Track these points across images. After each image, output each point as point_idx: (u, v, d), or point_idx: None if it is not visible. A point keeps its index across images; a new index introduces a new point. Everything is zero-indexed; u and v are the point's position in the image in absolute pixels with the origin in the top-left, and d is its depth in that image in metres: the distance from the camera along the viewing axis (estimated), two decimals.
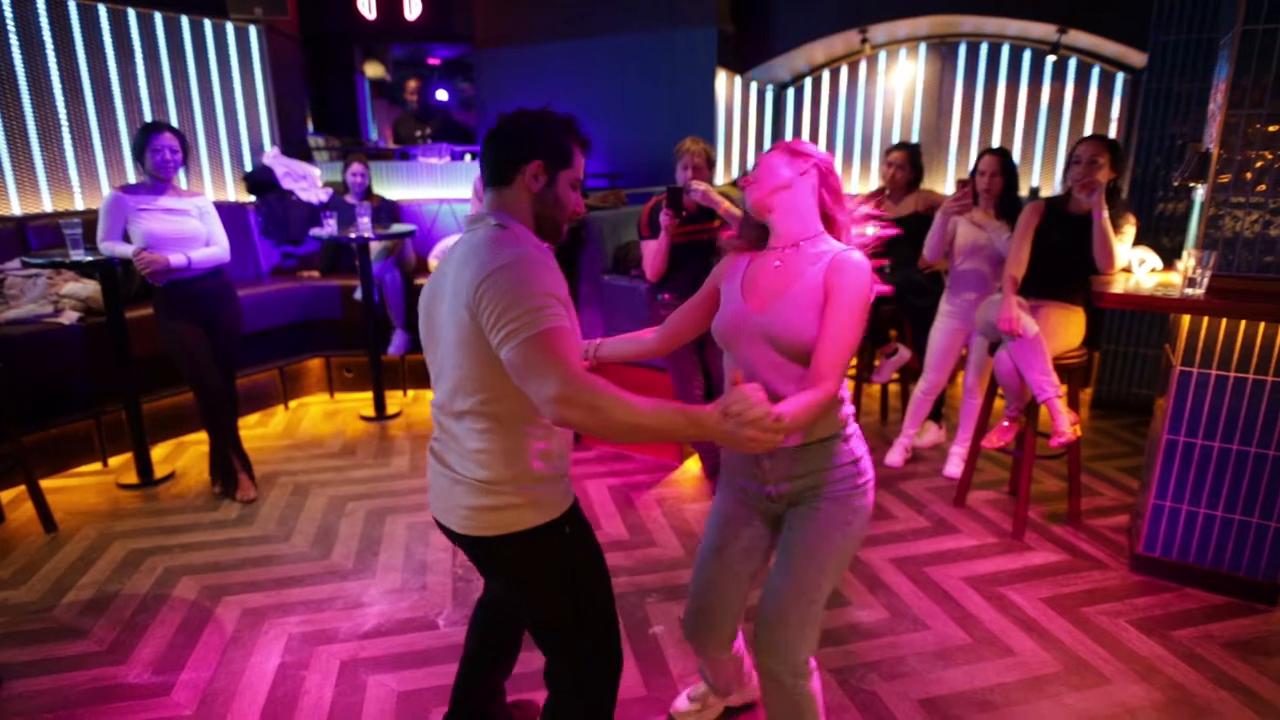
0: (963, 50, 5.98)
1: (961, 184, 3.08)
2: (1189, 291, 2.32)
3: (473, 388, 1.35)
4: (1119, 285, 2.59)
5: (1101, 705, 2.03)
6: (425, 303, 1.44)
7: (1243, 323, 2.34)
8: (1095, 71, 5.55)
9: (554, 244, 1.46)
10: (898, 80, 6.26)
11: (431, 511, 1.50)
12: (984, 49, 5.90)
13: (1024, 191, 5.74)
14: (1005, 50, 5.83)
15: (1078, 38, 5.26)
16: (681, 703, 1.97)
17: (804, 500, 1.55)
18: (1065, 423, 2.69)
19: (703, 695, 1.96)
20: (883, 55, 6.26)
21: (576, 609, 1.46)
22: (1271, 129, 2.24)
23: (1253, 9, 2.19)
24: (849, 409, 1.58)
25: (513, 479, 1.37)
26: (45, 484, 3.18)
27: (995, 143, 5.95)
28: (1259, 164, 2.27)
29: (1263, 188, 2.29)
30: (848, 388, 1.59)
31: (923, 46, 6.10)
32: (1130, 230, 2.77)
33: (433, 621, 2.40)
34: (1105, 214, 2.65)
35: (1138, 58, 4.87)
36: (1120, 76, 5.47)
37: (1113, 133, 5.53)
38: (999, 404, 3.44)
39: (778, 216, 1.55)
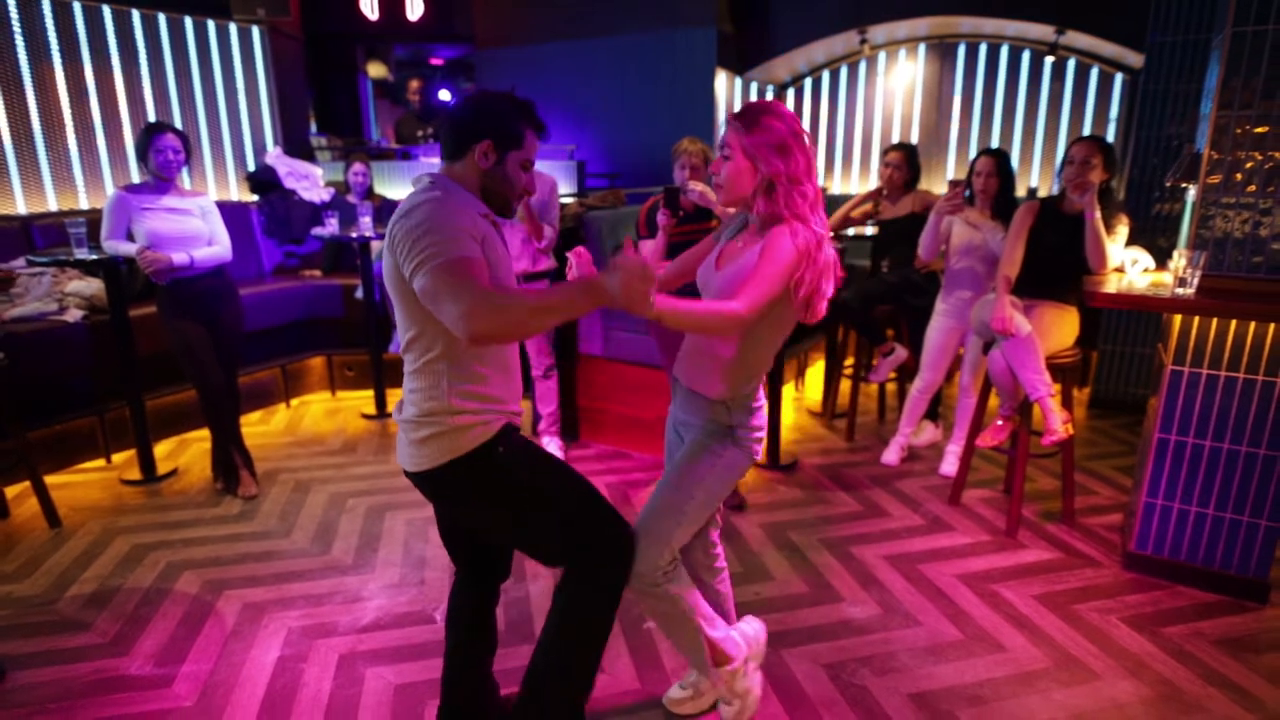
0: (962, 51, 6.00)
1: (954, 184, 3.10)
2: (1179, 291, 2.34)
3: (403, 325, 1.50)
4: (1111, 285, 2.61)
5: (1090, 701, 2.05)
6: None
7: (1233, 322, 2.36)
8: (1094, 72, 5.57)
9: (504, 217, 1.57)
10: (897, 80, 6.28)
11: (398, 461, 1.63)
12: (983, 49, 5.92)
13: (1022, 192, 5.75)
14: (1004, 51, 5.85)
15: (1076, 38, 5.28)
16: (674, 691, 2.01)
17: (691, 430, 1.75)
18: (1057, 421, 2.71)
19: (694, 682, 1.99)
20: (882, 56, 6.28)
21: (543, 511, 1.58)
22: (1260, 130, 2.26)
23: (1242, 11, 2.21)
24: (760, 409, 1.73)
25: (433, 412, 1.50)
26: (50, 480, 3.23)
27: (994, 143, 5.97)
28: (1249, 165, 2.29)
29: (1252, 188, 2.30)
30: (764, 396, 1.76)
31: (922, 47, 6.12)
32: (1123, 230, 2.79)
33: (430, 616, 2.42)
34: (1098, 214, 2.67)
35: (1135, 58, 4.88)
36: (1119, 77, 5.48)
37: (1111, 133, 5.55)
38: (995, 403, 3.46)
39: (752, 207, 1.65)
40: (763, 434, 1.76)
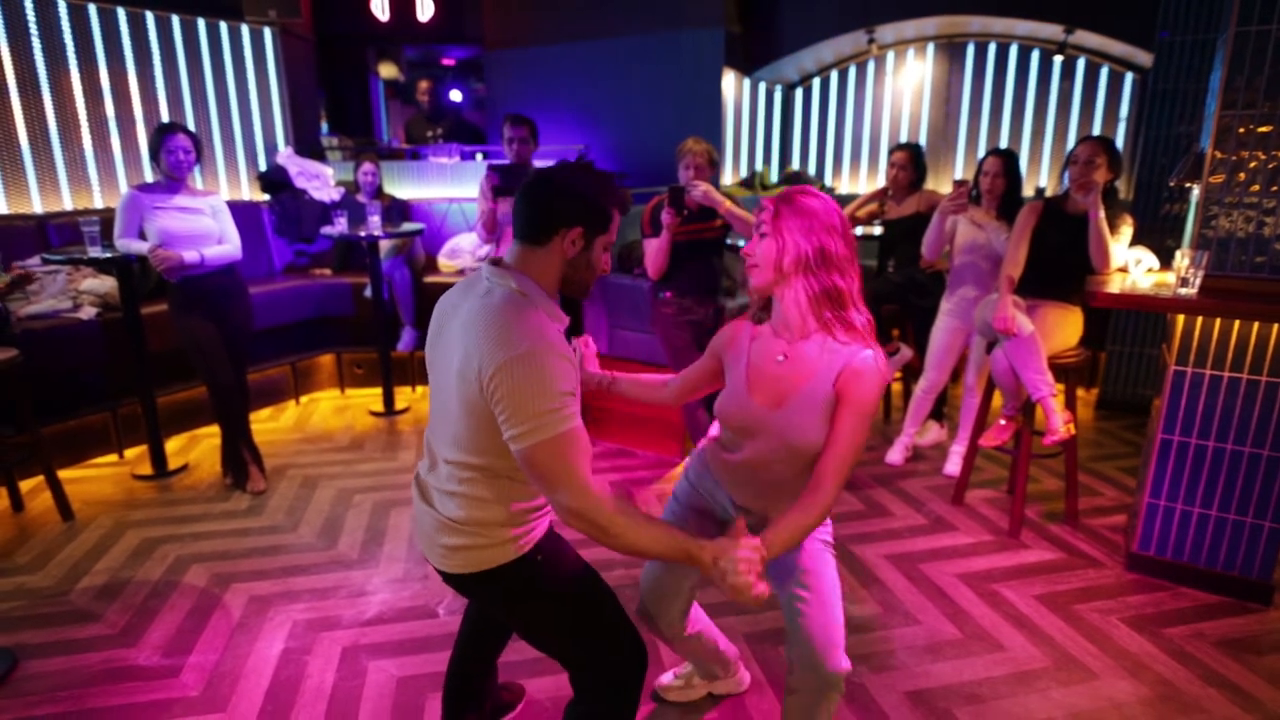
0: (970, 50, 5.98)
1: (959, 184, 3.10)
2: (1182, 291, 2.33)
3: (468, 445, 1.38)
4: (1114, 285, 2.60)
5: (1088, 700, 2.05)
6: (434, 328, 1.44)
7: (1236, 322, 2.35)
8: (1104, 71, 5.54)
9: (579, 299, 1.47)
10: (906, 80, 6.26)
11: (419, 544, 1.53)
12: (992, 49, 5.90)
13: (1031, 191, 5.73)
14: (1013, 50, 5.83)
15: (1085, 38, 5.25)
16: (666, 678, 2.03)
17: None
18: (1059, 421, 2.71)
19: (688, 675, 2.01)
20: (891, 55, 6.27)
21: (569, 624, 1.50)
22: (1264, 130, 2.25)
23: (1246, 10, 2.20)
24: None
25: (482, 521, 1.41)
26: (63, 474, 3.28)
27: (1003, 143, 5.95)
28: (1252, 164, 2.28)
29: (1256, 188, 2.29)
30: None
31: (930, 46, 6.11)
32: (1127, 230, 2.78)
33: (433, 611, 2.46)
34: (1102, 214, 2.66)
35: (1145, 57, 4.85)
36: (1129, 76, 5.45)
37: (1121, 132, 5.52)
38: (999, 402, 3.45)
39: (782, 305, 1.48)
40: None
